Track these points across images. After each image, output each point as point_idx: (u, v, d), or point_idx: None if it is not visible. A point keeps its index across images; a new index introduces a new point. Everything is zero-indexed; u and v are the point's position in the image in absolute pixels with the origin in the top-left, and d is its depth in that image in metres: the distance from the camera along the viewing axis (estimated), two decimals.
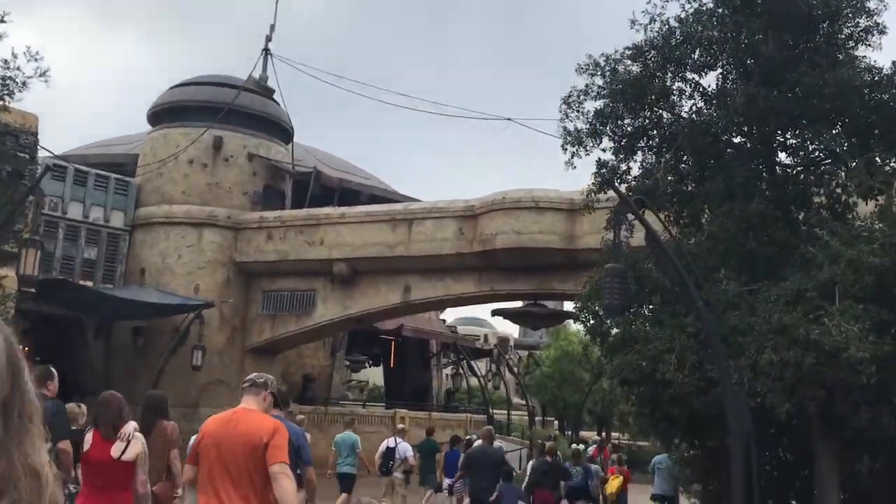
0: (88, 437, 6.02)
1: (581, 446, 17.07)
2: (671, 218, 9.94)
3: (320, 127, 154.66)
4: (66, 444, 6.52)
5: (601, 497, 15.08)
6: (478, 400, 36.68)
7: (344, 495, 13.19)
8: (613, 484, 16.23)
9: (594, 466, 15.61)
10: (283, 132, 24.56)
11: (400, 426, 15.60)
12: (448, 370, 33.85)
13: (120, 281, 22.14)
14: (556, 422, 39.32)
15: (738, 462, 7.51)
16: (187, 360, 19.85)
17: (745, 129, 9.87)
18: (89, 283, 20.99)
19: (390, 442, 13.82)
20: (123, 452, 5.88)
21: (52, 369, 6.99)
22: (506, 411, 35.83)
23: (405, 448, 13.69)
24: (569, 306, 21.80)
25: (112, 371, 21.29)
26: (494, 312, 20.47)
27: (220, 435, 4.75)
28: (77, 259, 21.59)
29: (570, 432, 31.90)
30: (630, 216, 9.16)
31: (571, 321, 21.33)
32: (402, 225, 20.38)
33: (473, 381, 35.05)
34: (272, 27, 24.78)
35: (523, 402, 39.52)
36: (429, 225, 20.06)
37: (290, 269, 21.80)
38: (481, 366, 38.28)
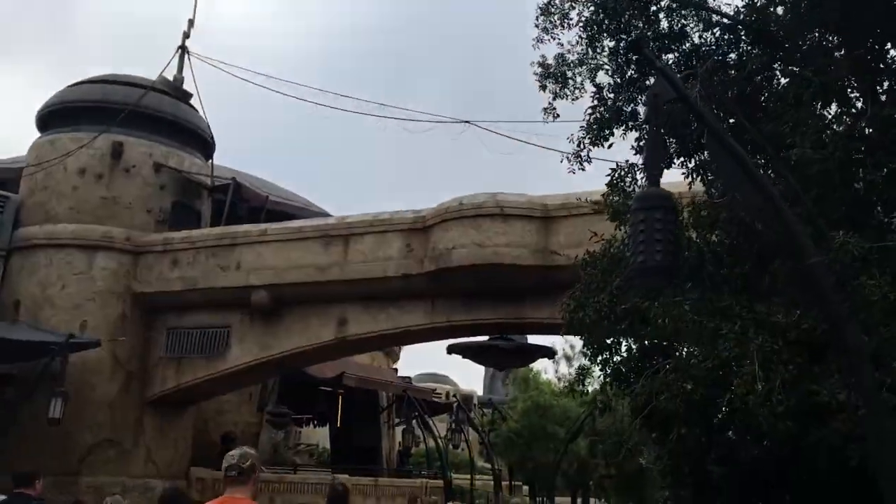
0: None
1: None
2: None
3: (259, 153, 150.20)
4: None
5: None
6: (437, 463, 32.27)
7: None
8: None
9: None
10: (200, 142, 20.62)
11: None
12: (401, 428, 29.55)
13: None
14: (525, 486, 35.03)
15: None
16: (63, 416, 15.53)
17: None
18: None
19: None
20: None
21: (38, 471, 7.72)
22: (468, 475, 31.51)
23: None
24: (543, 341, 17.90)
25: None
26: (450, 349, 16.45)
27: None
28: None
29: (542, 499, 27.61)
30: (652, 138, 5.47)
31: (546, 358, 17.38)
32: (336, 242, 16.45)
33: (431, 442, 30.70)
34: (191, 22, 21.12)
35: (489, 464, 35.18)
36: (369, 241, 16.16)
37: (199, 301, 17.64)
38: (441, 425, 34.05)
